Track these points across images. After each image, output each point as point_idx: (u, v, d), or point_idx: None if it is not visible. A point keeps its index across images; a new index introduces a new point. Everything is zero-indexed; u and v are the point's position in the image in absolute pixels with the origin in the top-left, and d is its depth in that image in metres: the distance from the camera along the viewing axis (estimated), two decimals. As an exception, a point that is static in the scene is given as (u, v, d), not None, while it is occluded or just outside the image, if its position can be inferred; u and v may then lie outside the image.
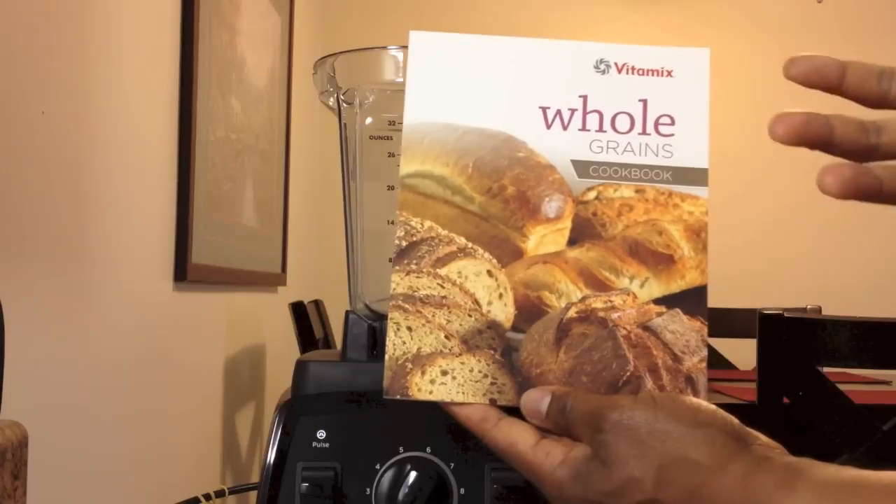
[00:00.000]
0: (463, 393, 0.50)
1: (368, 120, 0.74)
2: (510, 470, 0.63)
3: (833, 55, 0.43)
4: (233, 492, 1.10)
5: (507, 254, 0.51)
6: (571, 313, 0.51)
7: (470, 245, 0.50)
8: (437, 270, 0.50)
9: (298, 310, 1.85)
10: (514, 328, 0.50)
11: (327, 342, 1.96)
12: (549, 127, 0.53)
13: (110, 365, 1.16)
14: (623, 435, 0.45)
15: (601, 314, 0.51)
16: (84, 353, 1.08)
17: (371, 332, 0.71)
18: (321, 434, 0.63)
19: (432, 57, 0.54)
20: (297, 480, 0.62)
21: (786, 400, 1.42)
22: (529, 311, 0.51)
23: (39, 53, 0.96)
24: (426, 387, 0.50)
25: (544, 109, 0.53)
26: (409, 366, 0.50)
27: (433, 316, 0.50)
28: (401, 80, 0.74)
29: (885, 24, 2.94)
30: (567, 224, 0.52)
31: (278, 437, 0.63)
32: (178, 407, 1.45)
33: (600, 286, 0.51)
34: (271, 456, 0.63)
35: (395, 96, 0.76)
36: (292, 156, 2.25)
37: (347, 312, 0.72)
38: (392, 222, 0.74)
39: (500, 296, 0.50)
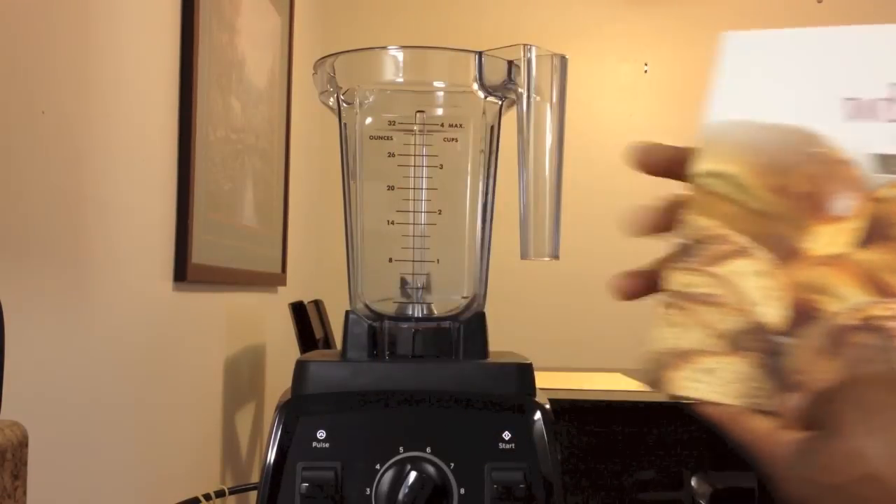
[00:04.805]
0: (722, 393, 0.47)
1: (368, 120, 0.74)
2: (510, 470, 0.63)
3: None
4: (233, 492, 1.10)
5: (787, 254, 0.48)
6: (848, 320, 0.46)
7: (749, 244, 0.48)
8: (713, 268, 0.48)
9: (298, 310, 1.85)
10: (784, 331, 0.47)
11: (327, 342, 1.96)
12: (851, 119, 0.49)
13: (110, 365, 1.16)
14: (854, 404, 0.42)
15: (882, 323, 0.46)
16: (84, 353, 1.08)
17: (371, 332, 0.71)
18: (321, 434, 0.63)
19: (744, 56, 0.52)
20: (297, 480, 0.62)
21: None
22: (802, 314, 0.47)
23: (40, 53, 0.96)
24: (687, 383, 0.48)
25: (848, 101, 0.50)
26: (673, 360, 0.48)
27: (703, 313, 0.48)
28: (401, 80, 0.74)
29: (886, 23, 2.93)
30: (858, 224, 0.47)
31: (278, 437, 0.63)
32: (178, 407, 1.45)
33: (887, 293, 0.46)
34: (271, 456, 0.63)
35: (395, 96, 0.76)
36: (292, 156, 2.25)
37: (347, 312, 0.72)
38: (392, 222, 0.74)
39: (774, 297, 0.47)
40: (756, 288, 0.48)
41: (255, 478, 1.89)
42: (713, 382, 0.48)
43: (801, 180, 0.48)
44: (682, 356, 0.48)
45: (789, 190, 0.48)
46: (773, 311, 0.47)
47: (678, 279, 0.49)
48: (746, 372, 0.47)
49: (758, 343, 0.47)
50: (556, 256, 0.69)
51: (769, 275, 0.48)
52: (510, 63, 0.70)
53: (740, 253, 0.48)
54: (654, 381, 0.48)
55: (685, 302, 0.49)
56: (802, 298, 0.47)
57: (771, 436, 0.46)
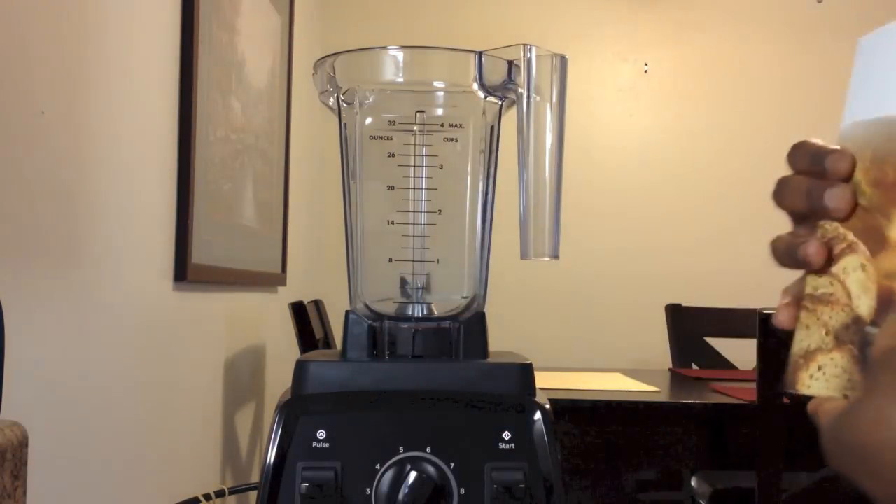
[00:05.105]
0: (828, 388, 0.49)
1: (368, 120, 0.73)
2: (510, 470, 0.63)
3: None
4: (233, 492, 1.10)
5: (876, 244, 0.48)
6: None
7: (854, 239, 0.49)
8: (831, 268, 0.49)
9: (298, 310, 1.85)
10: (874, 322, 0.48)
11: (327, 342, 1.97)
12: None
13: (110, 365, 1.16)
14: (892, 369, 0.42)
15: None
16: (84, 354, 1.08)
17: (371, 332, 0.71)
18: (321, 434, 0.63)
19: (872, 56, 0.51)
20: (297, 480, 0.62)
21: (786, 400, 1.42)
22: (885, 302, 0.47)
23: (39, 53, 0.96)
24: (807, 381, 0.49)
25: None
26: (801, 361, 0.50)
27: (822, 313, 0.50)
28: (401, 80, 0.74)
29: (885, 23, 2.93)
30: None
31: (278, 437, 0.63)
32: (178, 407, 1.45)
33: None
34: (271, 456, 0.63)
35: (395, 96, 0.76)
36: (292, 156, 2.25)
37: (347, 312, 0.72)
38: (392, 222, 0.74)
39: (867, 289, 0.48)
40: (856, 282, 0.48)
41: (255, 478, 1.89)
42: (822, 378, 0.49)
43: (891, 170, 0.48)
44: (807, 356, 0.49)
45: (883, 181, 0.48)
46: (866, 303, 0.48)
47: (810, 282, 0.50)
48: (845, 365, 0.48)
49: (854, 336, 0.48)
50: (555, 256, 0.69)
51: (865, 268, 0.48)
52: (510, 63, 0.70)
53: (850, 249, 0.49)
54: (789, 383, 0.50)
55: (812, 304, 0.50)
56: (889, 287, 0.47)
57: (829, 409, 0.47)
